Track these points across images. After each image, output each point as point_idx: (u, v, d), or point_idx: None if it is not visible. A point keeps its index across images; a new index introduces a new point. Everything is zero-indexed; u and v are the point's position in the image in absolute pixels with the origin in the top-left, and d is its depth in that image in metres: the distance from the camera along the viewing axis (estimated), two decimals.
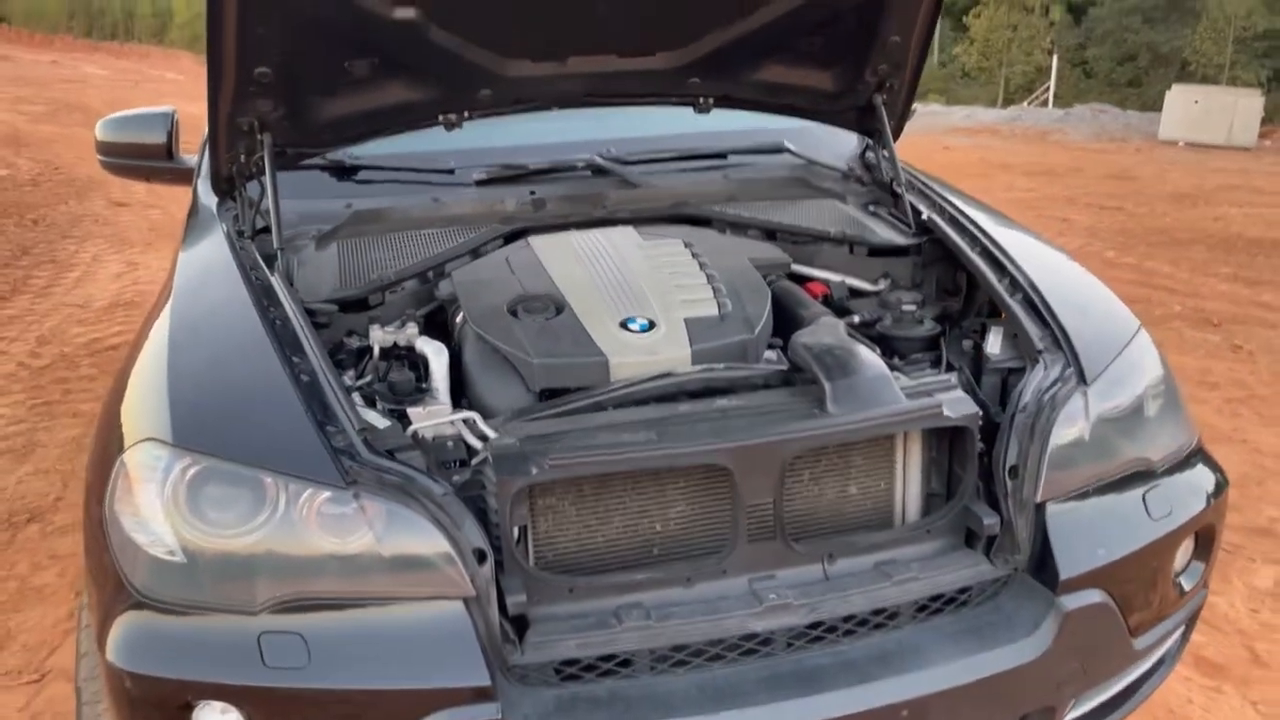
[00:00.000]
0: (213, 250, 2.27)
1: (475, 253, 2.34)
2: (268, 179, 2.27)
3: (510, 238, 2.39)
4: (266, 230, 2.32)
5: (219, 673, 1.53)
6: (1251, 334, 6.06)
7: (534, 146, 2.75)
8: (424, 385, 1.96)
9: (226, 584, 1.58)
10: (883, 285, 2.47)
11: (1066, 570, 1.81)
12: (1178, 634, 2.10)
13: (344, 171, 2.62)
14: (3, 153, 12.37)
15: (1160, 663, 2.08)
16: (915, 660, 1.71)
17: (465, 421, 1.81)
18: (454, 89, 2.38)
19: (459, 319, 2.13)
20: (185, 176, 3.05)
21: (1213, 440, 3.65)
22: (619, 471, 1.71)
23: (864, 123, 2.77)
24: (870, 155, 2.89)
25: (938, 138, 17.90)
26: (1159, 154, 17.38)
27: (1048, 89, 27.36)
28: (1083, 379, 1.94)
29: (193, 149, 3.23)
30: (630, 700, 1.63)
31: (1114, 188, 12.54)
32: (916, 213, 2.54)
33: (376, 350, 2.06)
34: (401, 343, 2.07)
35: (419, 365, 2.02)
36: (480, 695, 1.54)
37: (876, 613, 1.77)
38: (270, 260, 2.17)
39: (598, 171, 2.71)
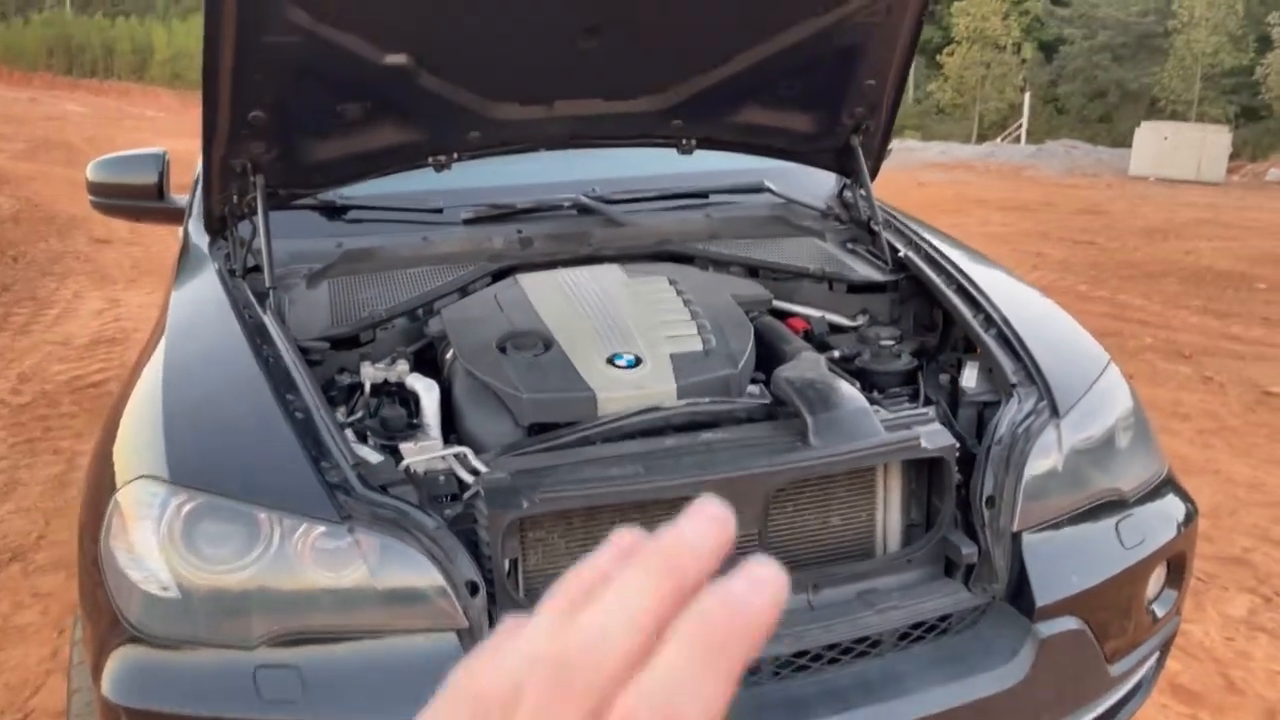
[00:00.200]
0: (205, 289, 2.31)
1: (464, 291, 2.38)
2: (260, 219, 2.31)
3: (498, 276, 2.44)
4: (257, 269, 2.36)
5: (215, 706, 1.55)
6: (1222, 366, 6.16)
7: (521, 186, 2.81)
8: (415, 421, 1.99)
9: (222, 619, 1.60)
10: (861, 321, 2.53)
11: (1042, 598, 1.85)
12: (1153, 660, 2.14)
13: (334, 211, 2.66)
14: None
15: (1136, 689, 2.12)
16: (898, 688, 1.75)
17: (457, 456, 1.85)
18: (443, 132, 2.44)
19: (449, 356, 2.17)
20: (176, 216, 3.08)
21: (1185, 471, 3.71)
22: (607, 504, 1.75)
23: (842, 163, 2.85)
24: (848, 194, 2.96)
25: (914, 173, 18.13)
26: (1130, 189, 17.66)
27: (1020, 125, 27.76)
28: (1055, 411, 2.00)
29: (178, 186, 3.27)
30: None
31: (1086, 222, 12.73)
32: (893, 250, 2.61)
33: (368, 387, 2.09)
34: (392, 379, 2.11)
35: (409, 401, 2.06)
36: None
37: (859, 641, 1.81)
38: (262, 299, 2.21)
39: (583, 211, 2.77)
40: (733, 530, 0.35)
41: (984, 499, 1.90)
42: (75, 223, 10.58)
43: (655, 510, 1.79)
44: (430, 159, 2.48)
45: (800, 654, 1.77)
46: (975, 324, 2.23)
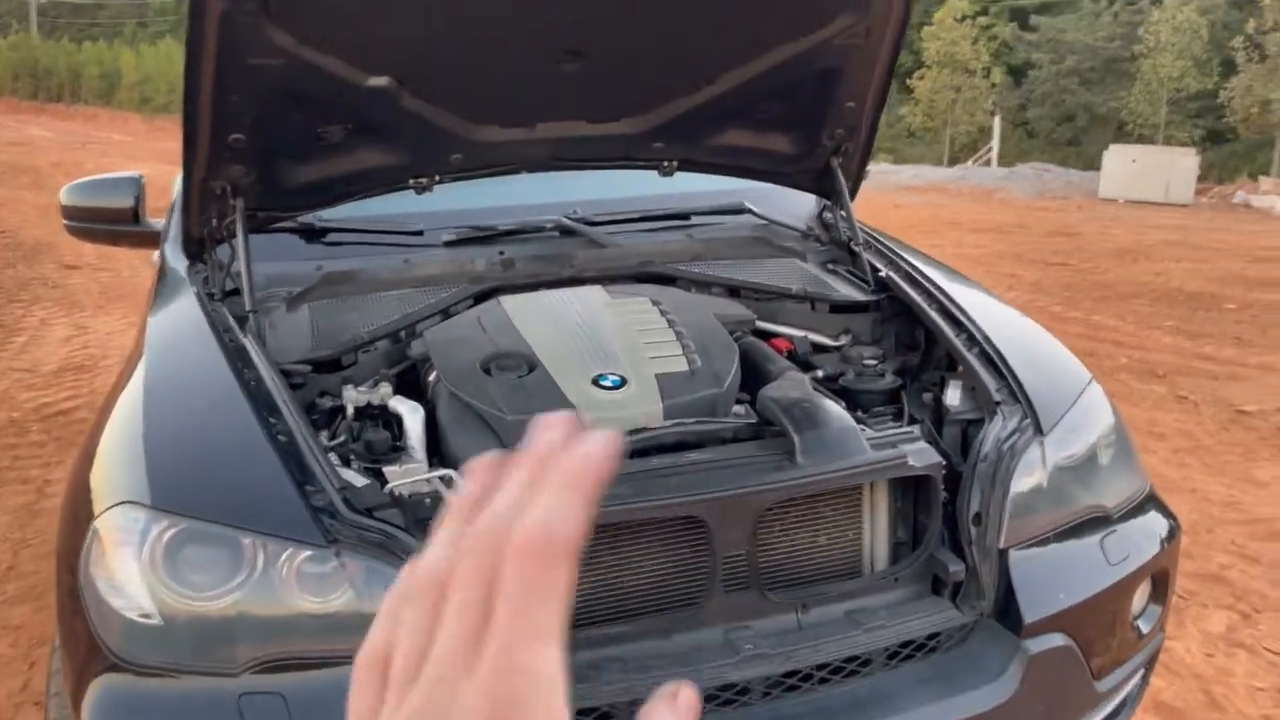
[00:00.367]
0: (184, 313, 2.28)
1: (446, 313, 2.37)
2: (240, 242, 2.29)
3: (480, 297, 2.43)
4: (236, 292, 2.34)
5: None
6: (1196, 385, 6.23)
7: (501, 208, 2.80)
8: (399, 444, 1.98)
9: (205, 645, 1.58)
10: (844, 341, 2.54)
11: (1030, 614, 1.86)
12: (1138, 677, 2.15)
13: (314, 234, 2.64)
14: None
15: (1122, 705, 2.13)
16: (888, 706, 1.75)
17: (443, 479, 1.83)
18: (425, 154, 2.43)
19: (432, 378, 2.15)
20: (151, 240, 3.06)
21: (1162, 489, 3.73)
22: (596, 525, 1.73)
23: (821, 184, 2.86)
24: (827, 215, 2.97)
25: (889, 196, 18.29)
26: (1100, 211, 17.90)
27: (991, 148, 28.08)
28: (1039, 429, 2.01)
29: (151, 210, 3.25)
30: None
31: (1059, 244, 12.88)
32: (874, 270, 2.62)
33: (350, 410, 2.07)
34: (375, 402, 2.09)
35: (393, 424, 2.04)
36: None
37: (849, 660, 1.81)
38: (242, 322, 2.19)
39: (565, 232, 2.76)
40: (570, 425, 0.42)
41: (971, 516, 1.90)
42: (42, 248, 10.48)
43: (645, 530, 1.78)
44: (411, 181, 2.48)
45: (790, 674, 1.76)
46: (958, 343, 2.24)
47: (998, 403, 2.06)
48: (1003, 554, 1.90)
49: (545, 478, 0.40)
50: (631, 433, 1.90)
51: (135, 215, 3.07)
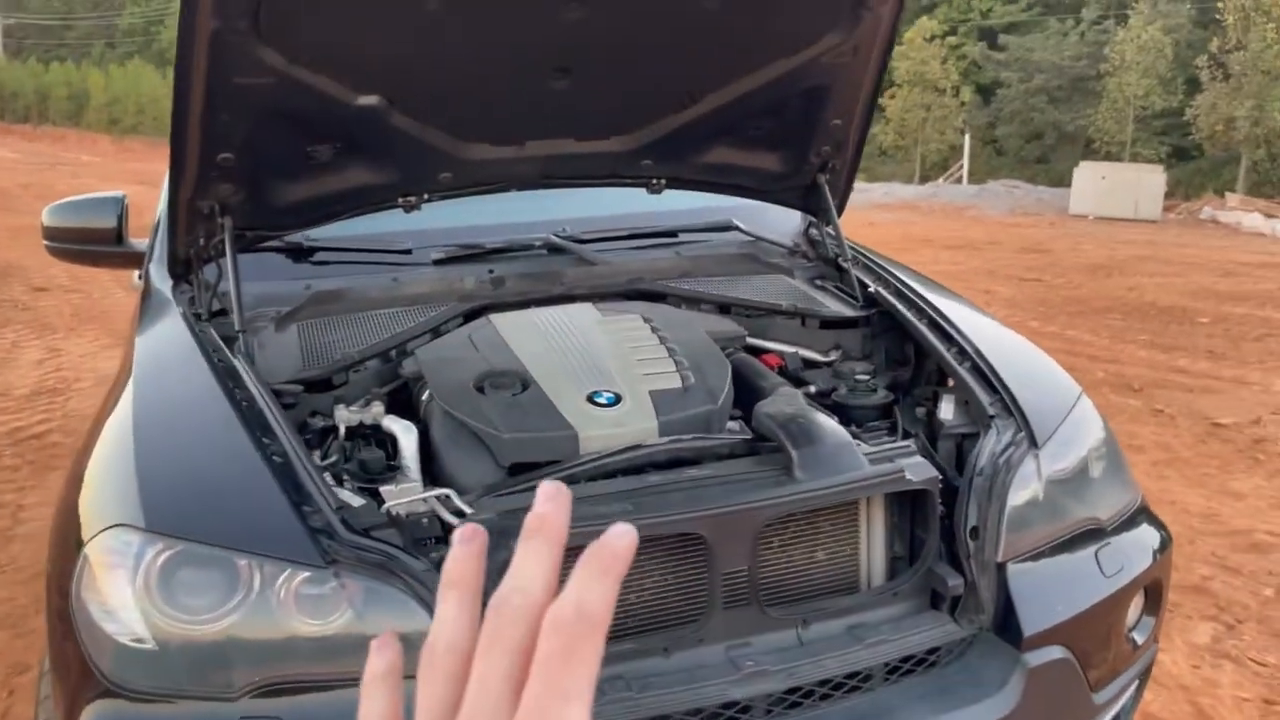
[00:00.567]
0: (171, 333, 2.26)
1: (436, 331, 2.36)
2: (228, 261, 2.27)
3: (470, 316, 2.42)
4: (223, 313, 2.32)
5: None
6: (1171, 398, 6.29)
7: (490, 226, 2.80)
8: (394, 463, 1.96)
9: (202, 669, 1.56)
10: (834, 356, 2.55)
11: (1029, 627, 1.86)
12: (1133, 688, 2.16)
13: (301, 253, 2.63)
14: None
15: (1118, 718, 2.13)
16: None
17: (440, 498, 1.82)
18: (415, 172, 2.42)
19: (424, 396, 2.14)
20: (135, 261, 3.03)
21: None
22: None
23: (809, 201, 2.88)
24: (813, 232, 2.99)
25: (863, 214, 18.40)
26: (1071, 227, 18.09)
27: (961, 166, 28.34)
28: (1034, 442, 2.02)
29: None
30: None
31: (1031, 260, 13.00)
32: (863, 286, 2.63)
33: (342, 430, 2.06)
34: (367, 421, 2.07)
35: (385, 443, 2.03)
36: None
37: (850, 676, 1.80)
38: (230, 342, 2.16)
39: (553, 250, 2.76)
40: (567, 501, 0.45)
41: (968, 530, 1.91)
42: (12, 270, 10.37)
43: (645, 547, 1.77)
44: (400, 200, 2.47)
45: (792, 690, 1.75)
46: (949, 357, 2.25)
47: (992, 416, 2.07)
48: (1001, 567, 1.91)
49: (555, 548, 0.44)
50: (628, 450, 1.89)
51: (119, 236, 3.04)
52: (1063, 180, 23.68)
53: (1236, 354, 7.57)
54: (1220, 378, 6.86)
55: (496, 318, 2.35)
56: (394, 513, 1.79)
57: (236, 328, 2.19)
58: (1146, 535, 2.14)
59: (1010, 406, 2.08)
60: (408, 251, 2.67)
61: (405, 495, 1.82)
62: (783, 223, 3.06)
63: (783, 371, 2.45)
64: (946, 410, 2.19)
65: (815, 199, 2.84)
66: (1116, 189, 19.78)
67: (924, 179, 30.08)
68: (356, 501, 1.77)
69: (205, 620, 1.57)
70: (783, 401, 2.05)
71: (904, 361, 2.52)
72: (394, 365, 2.25)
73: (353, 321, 2.39)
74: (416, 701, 0.44)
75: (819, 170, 2.77)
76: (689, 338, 2.25)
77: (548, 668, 0.40)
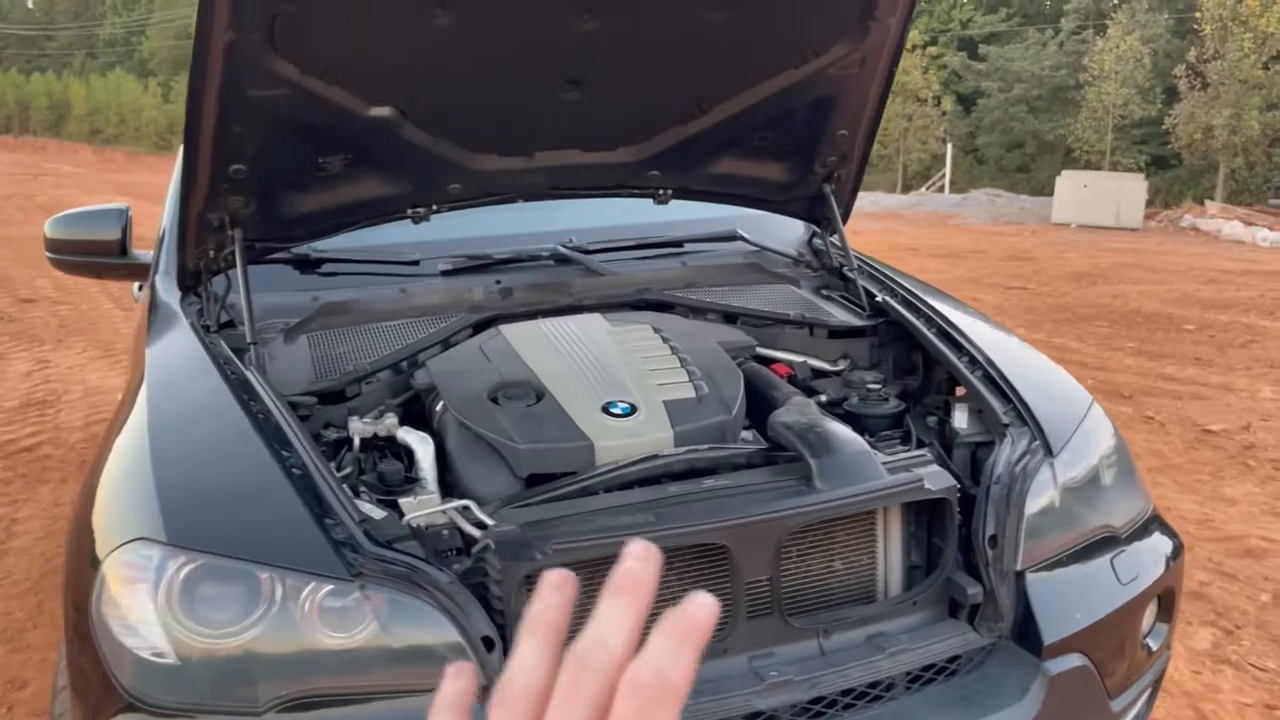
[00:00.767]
0: (181, 345, 2.24)
1: (446, 343, 2.35)
2: (238, 273, 2.26)
3: (479, 327, 2.41)
4: (231, 324, 2.31)
5: None
6: (1160, 405, 6.33)
7: (497, 237, 2.80)
8: (411, 475, 1.96)
9: (226, 684, 1.54)
10: (843, 365, 2.55)
11: (1049, 635, 1.87)
12: (1146, 695, 2.17)
13: (309, 264, 2.62)
14: None
15: None
16: None
17: (460, 510, 1.81)
18: (424, 183, 2.42)
19: (438, 408, 2.13)
20: (139, 273, 3.01)
21: None
22: (619, 554, 1.72)
23: (814, 211, 2.89)
24: (817, 241, 3.00)
25: (850, 223, 18.37)
26: (1054, 236, 18.20)
27: (944, 175, 28.49)
28: (1049, 451, 2.03)
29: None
30: None
31: (1016, 268, 13.07)
32: (870, 295, 2.64)
33: (356, 442, 2.05)
34: (381, 433, 2.07)
35: (400, 455, 2.02)
36: None
37: (873, 685, 1.80)
38: (241, 354, 2.15)
39: (561, 261, 2.76)
40: (655, 555, 0.46)
41: (987, 538, 1.91)
42: None
43: (668, 559, 1.76)
44: (409, 211, 2.46)
45: (815, 700, 1.75)
46: (961, 366, 2.26)
47: (1006, 425, 2.08)
48: (1020, 576, 1.92)
49: (642, 607, 0.44)
50: (645, 460, 1.89)
51: (123, 247, 3.02)
52: (1043, 189, 23.83)
53: (1223, 360, 7.62)
54: (1208, 384, 6.90)
55: (506, 329, 2.34)
56: (415, 525, 1.78)
57: (248, 339, 2.18)
58: (1160, 543, 2.16)
59: (1024, 415, 2.09)
60: (415, 263, 2.66)
61: (425, 507, 1.82)
62: (786, 232, 3.07)
63: (793, 381, 2.46)
64: (960, 419, 2.20)
65: (820, 209, 2.85)
66: (1098, 197, 19.90)
67: (906, 188, 30.23)
68: (377, 514, 1.76)
69: (227, 634, 1.55)
70: (797, 411, 2.05)
71: (911, 370, 2.53)
72: (406, 377, 2.25)
73: (361, 333, 2.39)
74: None
75: (824, 180, 2.79)
76: (700, 348, 2.26)
77: None
